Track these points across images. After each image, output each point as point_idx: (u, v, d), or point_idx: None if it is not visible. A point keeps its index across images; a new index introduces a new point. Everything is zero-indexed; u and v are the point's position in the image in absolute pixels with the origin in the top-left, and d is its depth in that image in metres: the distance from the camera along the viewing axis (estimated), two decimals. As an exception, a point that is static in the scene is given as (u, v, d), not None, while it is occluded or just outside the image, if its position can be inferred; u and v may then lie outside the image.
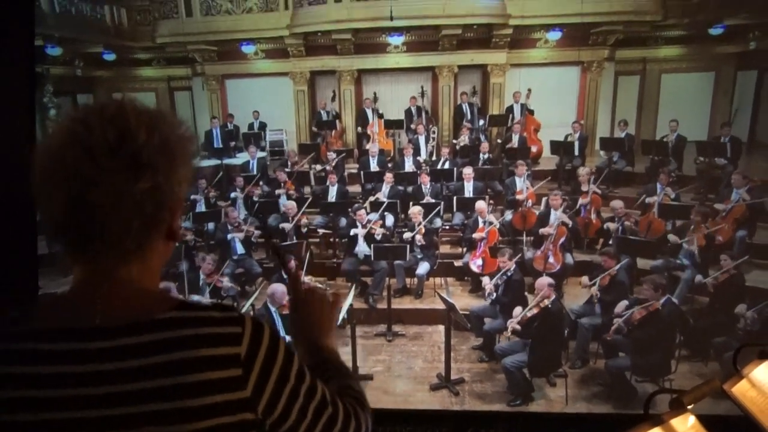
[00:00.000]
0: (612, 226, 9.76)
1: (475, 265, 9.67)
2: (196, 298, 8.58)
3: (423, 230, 9.74)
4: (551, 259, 9.35)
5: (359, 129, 14.24)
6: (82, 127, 1.33)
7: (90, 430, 1.29)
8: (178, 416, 1.30)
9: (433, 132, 13.63)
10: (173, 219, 1.45)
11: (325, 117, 14.39)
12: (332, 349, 1.83)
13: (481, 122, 13.94)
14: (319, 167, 12.65)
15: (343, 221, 10.56)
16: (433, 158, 13.07)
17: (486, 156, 12.38)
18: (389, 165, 12.54)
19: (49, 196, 1.33)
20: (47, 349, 1.32)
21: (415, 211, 9.93)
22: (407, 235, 9.81)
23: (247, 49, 14.35)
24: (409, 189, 11.38)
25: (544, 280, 7.77)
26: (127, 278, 1.40)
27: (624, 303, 7.78)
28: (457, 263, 10.34)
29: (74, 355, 1.32)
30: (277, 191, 11.45)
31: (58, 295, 1.51)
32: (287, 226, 10.21)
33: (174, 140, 1.40)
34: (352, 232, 9.98)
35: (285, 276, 1.94)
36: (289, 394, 1.44)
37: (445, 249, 10.84)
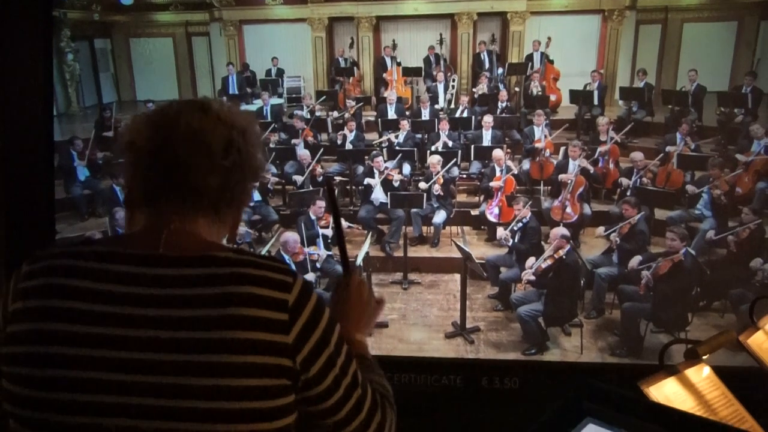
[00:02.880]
0: (625, 181, 9.67)
1: (492, 214, 9.65)
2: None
3: (441, 180, 9.69)
4: (569, 209, 9.31)
5: (383, 75, 14.13)
6: (189, 102, 1.58)
7: (136, 349, 1.38)
8: (222, 347, 1.38)
9: (453, 80, 13.53)
10: (248, 200, 1.68)
11: (342, 64, 14.31)
12: (364, 344, 1.87)
13: (500, 71, 13.84)
14: (336, 114, 12.61)
15: (360, 169, 10.54)
16: (451, 107, 13.00)
17: (504, 104, 12.30)
18: (407, 113, 12.48)
19: (164, 140, 1.51)
20: (106, 269, 1.45)
21: (434, 161, 9.87)
22: (422, 185, 9.79)
23: (266, -6, 14.25)
24: (426, 136, 11.32)
25: (558, 232, 7.75)
26: (198, 228, 1.58)
27: (638, 258, 7.76)
28: (474, 212, 10.30)
29: (132, 276, 1.44)
30: (293, 141, 11.39)
31: (122, 234, 1.75)
32: (300, 179, 10.17)
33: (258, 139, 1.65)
34: (366, 181, 9.97)
35: (342, 269, 2.01)
36: (327, 359, 1.50)
37: (461, 198, 10.79)
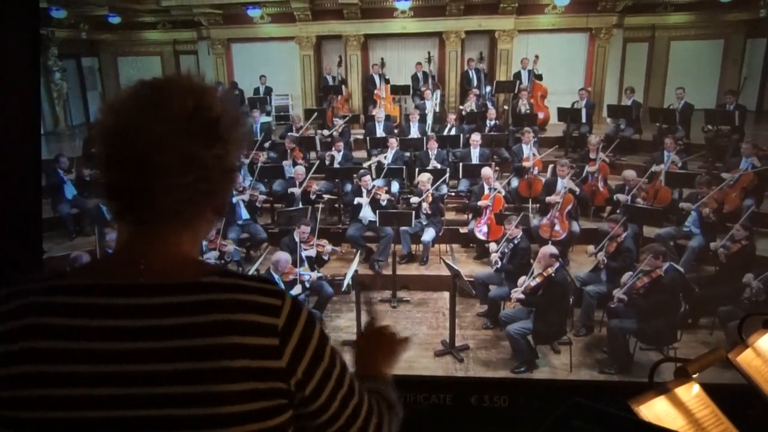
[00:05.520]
0: (622, 197, 9.70)
1: (481, 232, 9.66)
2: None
3: (430, 198, 9.70)
4: (557, 227, 9.33)
5: (373, 91, 14.14)
6: (157, 94, 1.37)
7: (124, 383, 1.33)
8: (212, 377, 1.33)
9: (436, 97, 13.55)
10: (227, 193, 1.52)
11: (331, 82, 14.35)
12: (388, 375, 1.88)
13: (488, 88, 13.90)
14: (325, 132, 12.62)
15: (348, 187, 10.54)
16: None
17: (493, 122, 12.34)
18: (395, 131, 12.50)
19: (118, 155, 1.36)
20: (88, 303, 1.36)
21: (423, 179, 9.88)
22: (414, 200, 9.78)
23: (253, 12, 14.25)
24: (416, 154, 11.33)
25: (547, 250, 7.76)
26: (174, 245, 1.45)
27: (629, 274, 7.77)
28: (463, 230, 10.31)
29: (116, 309, 1.36)
30: (284, 162, 11.37)
31: (101, 257, 1.59)
32: (296, 191, 10.17)
33: (240, 118, 1.45)
34: (356, 201, 9.95)
35: (369, 316, 2.01)
36: (322, 374, 1.47)
37: (450, 216, 10.80)
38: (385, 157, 11.17)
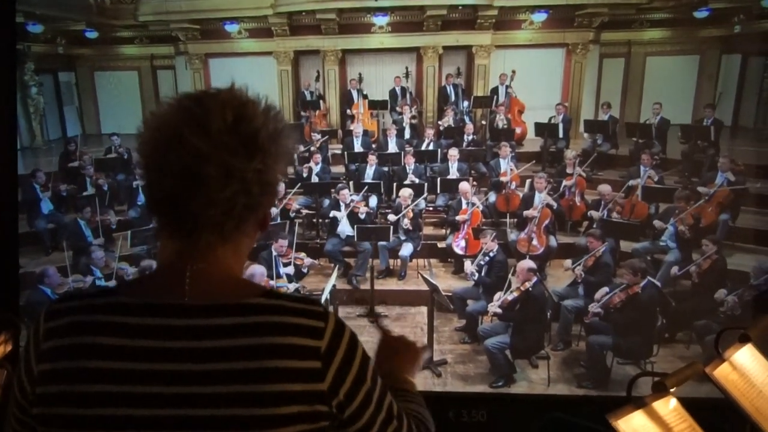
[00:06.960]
0: (596, 214, 9.73)
1: (458, 246, 9.66)
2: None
3: (411, 214, 9.70)
4: (535, 242, 9.35)
5: (348, 111, 14.12)
6: (198, 107, 1.43)
7: (169, 405, 1.35)
8: (256, 400, 1.37)
9: (412, 112, 13.53)
10: (268, 207, 1.54)
11: (309, 97, 14.31)
12: (412, 382, 1.94)
13: (465, 104, 13.91)
14: (302, 148, 12.59)
15: (326, 202, 10.52)
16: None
17: (470, 137, 12.35)
18: (373, 146, 12.49)
19: (160, 168, 1.40)
20: (134, 323, 1.41)
21: (405, 194, 9.86)
22: (392, 217, 9.78)
23: (231, 28, 14.20)
24: (394, 168, 11.33)
25: (525, 265, 7.77)
26: (217, 260, 1.49)
27: (605, 289, 7.79)
28: (441, 245, 10.30)
29: (161, 330, 1.40)
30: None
31: (146, 274, 1.64)
32: (273, 209, 10.13)
33: (284, 132, 1.50)
34: (332, 213, 9.95)
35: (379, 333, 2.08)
36: (364, 396, 1.49)
37: (428, 230, 10.79)
38: (366, 175, 11.14)
